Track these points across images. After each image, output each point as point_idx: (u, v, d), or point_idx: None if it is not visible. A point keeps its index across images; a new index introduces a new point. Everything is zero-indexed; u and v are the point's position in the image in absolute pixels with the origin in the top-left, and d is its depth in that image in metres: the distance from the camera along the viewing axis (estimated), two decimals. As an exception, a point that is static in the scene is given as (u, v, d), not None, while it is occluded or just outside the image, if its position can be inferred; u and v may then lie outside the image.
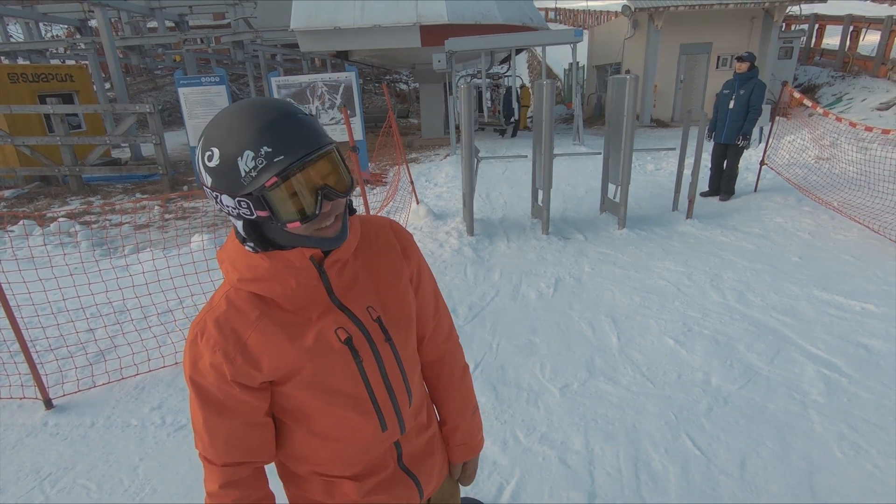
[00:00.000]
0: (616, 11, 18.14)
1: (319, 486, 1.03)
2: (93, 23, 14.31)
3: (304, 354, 0.89)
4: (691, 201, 5.69)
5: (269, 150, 0.75)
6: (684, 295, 3.96)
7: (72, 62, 16.03)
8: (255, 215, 0.80)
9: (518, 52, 14.43)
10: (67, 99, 10.57)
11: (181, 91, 8.71)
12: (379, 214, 0.90)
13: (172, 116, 18.91)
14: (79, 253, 5.15)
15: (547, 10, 33.94)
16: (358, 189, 0.95)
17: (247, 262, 0.87)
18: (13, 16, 14.65)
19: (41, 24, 17.29)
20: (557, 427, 2.60)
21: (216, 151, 0.77)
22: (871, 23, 14.53)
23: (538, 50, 18.38)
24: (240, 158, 0.75)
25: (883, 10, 20.38)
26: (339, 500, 1.02)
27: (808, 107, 6.22)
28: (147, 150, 11.73)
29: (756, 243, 4.93)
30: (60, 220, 6.56)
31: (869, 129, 5.38)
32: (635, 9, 13.08)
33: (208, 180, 0.80)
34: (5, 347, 3.46)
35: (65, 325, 3.51)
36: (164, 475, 2.44)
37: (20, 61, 14.08)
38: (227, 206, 0.81)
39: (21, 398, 3.03)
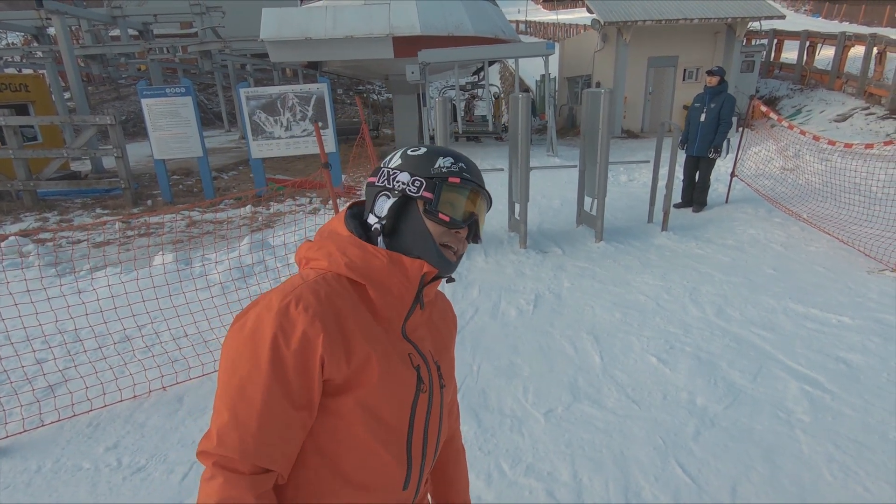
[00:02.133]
0: (585, 25, 18.51)
1: None
2: (51, 30, 13.74)
3: (387, 359, 0.86)
4: (666, 213, 5.72)
5: (464, 167, 0.92)
6: (664, 310, 3.93)
7: (29, 71, 15.33)
8: (419, 193, 0.88)
9: (491, 63, 14.53)
10: (22, 110, 10.05)
11: (144, 102, 8.36)
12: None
13: (137, 127, 18.31)
14: (24, 277, 4.82)
15: (518, 22, 34.47)
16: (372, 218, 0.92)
17: (362, 251, 0.86)
18: (-37, 22, 13.95)
19: (-5, 32, 16.52)
20: (543, 456, 2.49)
21: (423, 149, 0.92)
22: (826, 38, 15.20)
23: (510, 62, 18.58)
24: (441, 157, 0.91)
25: (836, 27, 21.40)
26: None
27: (770, 118, 6.37)
28: (109, 162, 11.26)
29: (731, 255, 4.97)
30: (11, 237, 6.16)
31: (832, 142, 5.53)
32: (604, 22, 13.34)
33: (397, 163, 0.91)
34: (-58, 383, 3.16)
35: (8, 359, 3.22)
36: (118, 526, 2.22)
37: (-29, 70, 13.38)
38: (399, 182, 0.89)
39: (-43, 441, 2.75)
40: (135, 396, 3.11)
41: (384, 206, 0.90)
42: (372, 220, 0.91)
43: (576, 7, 41.36)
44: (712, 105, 6.08)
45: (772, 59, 17.27)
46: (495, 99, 15.15)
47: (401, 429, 0.89)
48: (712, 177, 6.76)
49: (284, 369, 0.76)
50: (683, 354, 3.30)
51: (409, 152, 0.92)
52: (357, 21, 11.31)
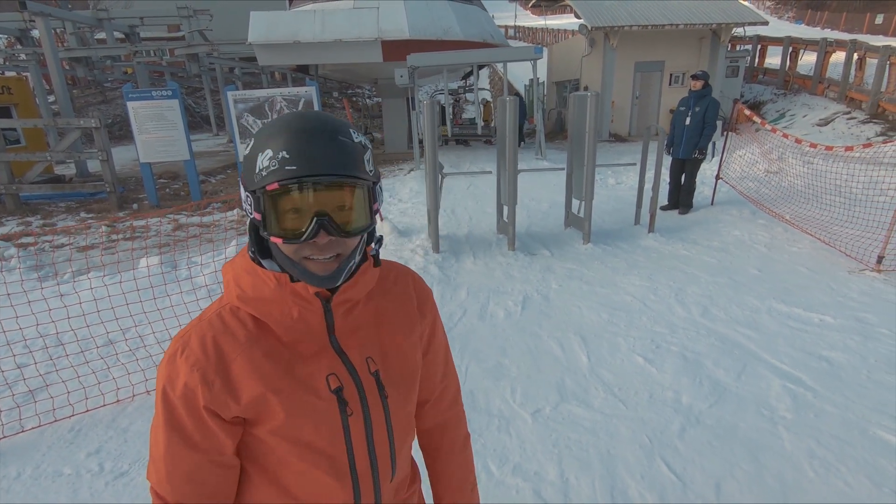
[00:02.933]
0: (573, 30, 18.67)
1: None
2: (35, 33, 13.58)
3: (287, 396, 0.79)
4: (653, 216, 5.78)
5: (287, 156, 0.71)
6: (651, 310, 3.96)
7: (12, 74, 15.13)
8: (252, 214, 0.76)
9: (480, 67, 14.59)
10: (4, 112, 9.92)
11: (130, 105, 8.29)
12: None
13: (123, 131, 18.10)
14: (4, 281, 4.73)
15: (507, 27, 34.70)
16: (379, 236, 0.85)
17: (253, 279, 0.80)
18: (-55, 24, 13.72)
19: (-23, 34, 16.28)
20: (531, 456, 2.49)
21: (252, 141, 0.76)
22: (808, 44, 15.49)
23: (499, 66, 18.67)
24: (261, 153, 0.73)
25: (818, 33, 21.81)
26: None
27: (755, 122, 6.47)
28: (94, 165, 11.12)
29: (716, 257, 5.03)
30: (-7, 242, 6.05)
31: (813, 145, 5.63)
32: (592, 28, 13.48)
33: (242, 170, 0.79)
34: (-82, 390, 3.09)
35: (-9, 365, 3.16)
36: (99, 532, 2.19)
37: (-48, 72, 13.16)
38: (243, 200, 0.78)
39: (-66, 449, 2.69)
40: (118, 401, 3.07)
41: (247, 225, 0.82)
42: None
43: (564, 13, 41.77)
44: (697, 108, 6.17)
45: (756, 65, 17.57)
46: (484, 103, 15.22)
47: (337, 454, 0.84)
48: (698, 179, 6.85)
49: (177, 417, 0.79)
50: (669, 354, 3.33)
51: (245, 150, 0.78)
52: (346, 25, 11.32)
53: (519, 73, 20.87)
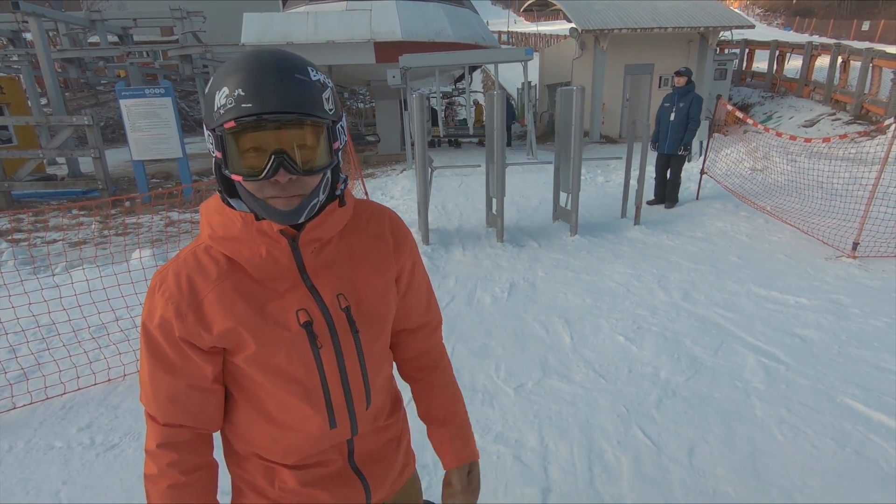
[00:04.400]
0: (565, 35, 18.90)
1: (259, 468, 0.96)
2: (28, 35, 13.60)
3: (257, 328, 0.83)
4: (638, 208, 5.90)
5: (243, 93, 0.71)
6: (634, 295, 4.06)
7: (3, 75, 15.11)
8: (214, 154, 0.77)
9: (472, 69, 14.74)
10: (-4, 112, 9.93)
11: (123, 103, 8.33)
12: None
13: (116, 133, 18.10)
14: (1, 273, 4.76)
15: (500, 33, 35.01)
16: (344, 176, 0.88)
17: (222, 218, 0.82)
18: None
19: (-31, 36, 16.25)
20: (512, 426, 2.57)
21: (212, 80, 0.76)
22: (794, 48, 15.79)
23: (491, 69, 18.84)
24: (218, 91, 0.73)
25: (805, 39, 22.17)
26: (278, 487, 0.95)
27: (746, 123, 6.62)
28: (86, 165, 11.14)
29: (699, 246, 5.14)
30: (-16, 237, 6.07)
31: (793, 137, 5.77)
32: (582, 30, 13.68)
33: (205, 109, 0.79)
34: (-89, 371, 3.13)
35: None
36: (90, 498, 2.24)
37: (-56, 73, 13.14)
38: (206, 136, 0.78)
39: (-74, 424, 2.73)
40: (109, 380, 3.12)
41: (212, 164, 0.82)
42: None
43: (556, 19, 42.23)
44: (681, 104, 6.30)
45: (744, 68, 17.86)
46: (476, 105, 15.37)
47: (311, 383, 0.88)
48: (684, 175, 6.98)
49: (155, 344, 0.85)
50: (650, 334, 3.43)
51: (206, 88, 0.78)
52: (338, 26, 11.44)
53: (510, 77, 21.05)
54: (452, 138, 14.40)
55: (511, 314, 3.84)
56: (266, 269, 0.84)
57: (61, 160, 11.56)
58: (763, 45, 17.31)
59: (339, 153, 0.82)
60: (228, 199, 0.83)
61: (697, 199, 6.89)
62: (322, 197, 0.82)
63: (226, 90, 0.72)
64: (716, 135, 7.20)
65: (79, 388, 3.03)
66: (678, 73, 6.35)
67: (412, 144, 11.07)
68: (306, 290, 0.87)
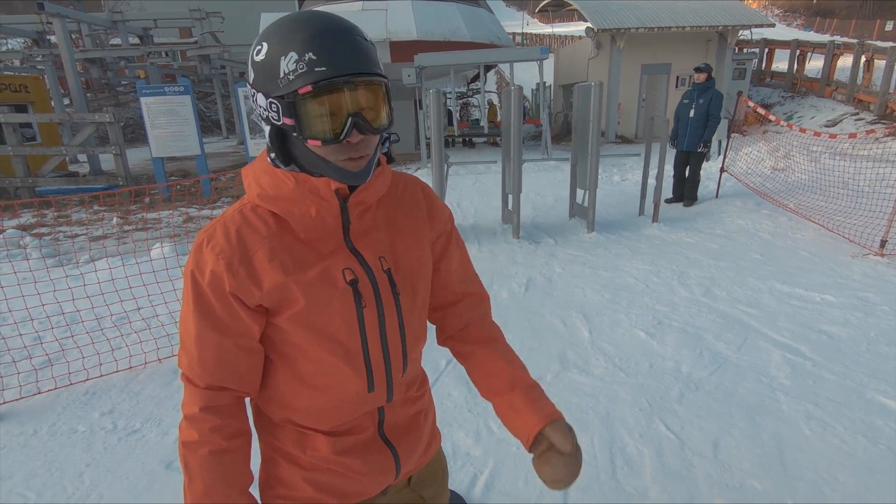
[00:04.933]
0: (580, 35, 18.81)
1: (293, 436, 0.95)
2: (52, 38, 13.91)
3: (306, 284, 0.84)
4: (657, 205, 5.82)
5: (314, 57, 0.71)
6: (653, 291, 4.01)
7: (28, 75, 15.48)
8: (280, 121, 0.76)
9: (487, 69, 14.73)
10: (21, 110, 10.16)
11: (143, 101, 8.47)
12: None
13: (135, 133, 18.41)
14: (28, 263, 4.86)
15: (514, 34, 34.99)
16: (386, 136, 0.90)
17: (272, 178, 0.83)
18: (-35, 27, 14.10)
19: (-4, 37, 16.69)
20: (531, 417, 2.54)
21: (265, 46, 0.75)
22: (816, 47, 15.51)
23: (505, 70, 18.80)
24: (283, 57, 0.72)
25: (825, 38, 21.78)
26: (311, 454, 0.94)
27: (766, 122, 6.52)
28: (107, 163, 11.36)
29: (719, 243, 5.06)
30: (9, 231, 6.21)
31: (818, 133, 5.66)
32: (598, 30, 13.58)
33: (251, 76, 0.78)
34: (-60, 356, 3.20)
35: (12, 338, 3.27)
36: (112, 480, 2.26)
37: (-29, 73, 13.48)
38: (261, 107, 0.78)
39: (-45, 407, 2.79)
40: (131, 367, 3.15)
41: (267, 132, 0.81)
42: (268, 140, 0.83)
43: (571, 20, 42.07)
44: (700, 101, 6.22)
45: (763, 68, 17.59)
46: (490, 105, 15.36)
47: (352, 343, 0.88)
48: (703, 174, 6.90)
49: (205, 301, 0.84)
50: (671, 329, 3.37)
51: (254, 57, 0.77)
52: (355, 26, 11.50)
53: (525, 78, 20.97)
54: (466, 138, 14.41)
55: (528, 308, 3.81)
56: (314, 229, 0.85)
57: (83, 158, 11.78)
58: (783, 44, 17.03)
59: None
60: (283, 165, 0.83)
61: (717, 197, 6.79)
62: (377, 157, 0.84)
63: (293, 55, 0.72)
64: (734, 134, 7.09)
65: (101, 375, 3.07)
66: (698, 70, 6.26)
67: (427, 143, 11.09)
68: (349, 252, 0.88)
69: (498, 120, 15.93)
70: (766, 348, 3.07)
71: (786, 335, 3.20)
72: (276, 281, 0.83)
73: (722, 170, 6.80)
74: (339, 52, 0.72)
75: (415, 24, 11.48)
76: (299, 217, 0.83)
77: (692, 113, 6.28)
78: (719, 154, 9.32)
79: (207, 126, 21.68)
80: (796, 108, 14.57)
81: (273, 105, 0.76)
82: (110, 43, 18.38)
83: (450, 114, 14.16)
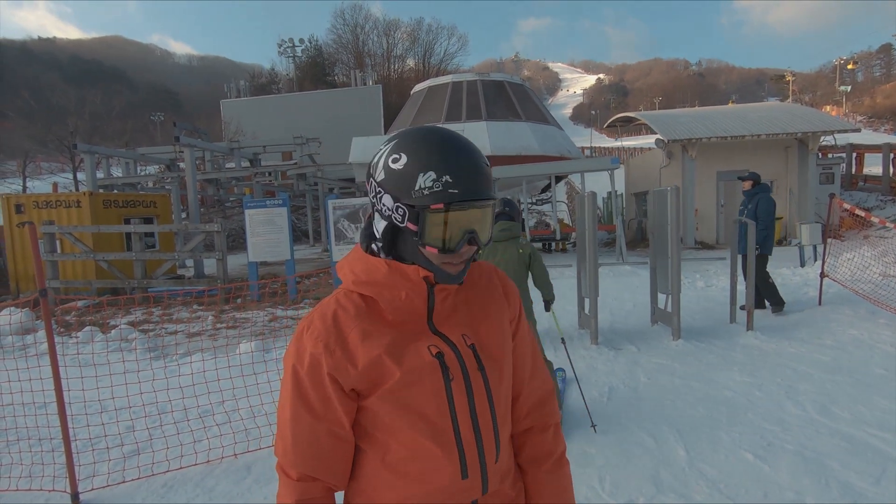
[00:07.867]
0: (650, 147, 19.24)
1: None
2: (181, 163, 16.49)
3: (396, 361, 0.87)
4: (750, 312, 5.39)
5: (450, 180, 0.81)
6: (756, 406, 3.56)
7: (157, 193, 18.23)
8: (404, 224, 0.85)
9: (558, 180, 15.27)
10: (148, 222, 11.78)
11: (247, 212, 9.56)
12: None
13: (236, 242, 20.54)
14: (135, 357, 5.31)
15: (584, 148, 36.54)
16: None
17: (365, 265, 0.91)
18: (119, 156, 17.13)
19: (138, 164, 20.03)
20: (624, 548, 2.22)
21: (405, 157, 0.84)
22: (912, 149, 14.70)
23: (577, 183, 19.35)
24: (422, 174, 0.82)
25: (921, 140, 20.68)
26: None
27: (873, 223, 6.07)
28: (210, 268, 12.62)
29: (830, 355, 4.50)
30: (122, 327, 6.90)
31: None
32: (668, 140, 13.84)
33: (381, 176, 0.87)
34: (49, 441, 3.44)
35: (109, 424, 3.49)
36: (178, 581, 2.20)
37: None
38: (385, 206, 0.87)
39: (50, 490, 2.93)
40: (208, 461, 3.20)
41: (378, 226, 0.90)
42: (377, 232, 0.92)
43: (639, 134, 43.41)
44: (750, 206, 6.28)
45: (854, 172, 16.78)
46: (560, 222, 15.70)
47: (443, 421, 0.88)
48: (799, 280, 6.40)
49: (302, 387, 0.89)
50: (784, 452, 2.93)
51: (390, 163, 0.85)
52: (434, 145, 12.62)
53: (596, 189, 21.38)
54: (538, 243, 14.59)
55: (612, 420, 3.50)
56: (402, 311, 0.90)
57: (189, 263, 13.18)
58: (874, 148, 16.33)
59: None
60: (385, 255, 0.91)
61: (820, 304, 6.18)
62: (471, 261, 0.92)
63: (432, 174, 0.81)
64: (830, 240, 6.62)
65: (180, 468, 3.12)
66: (741, 178, 6.50)
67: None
68: (432, 333, 0.92)
69: (571, 225, 16.11)
70: (912, 483, 2.55)
71: (937, 468, 2.66)
72: (371, 356, 0.86)
73: (822, 275, 6.26)
74: (470, 178, 0.83)
75: (489, 141, 12.39)
76: (390, 299, 0.89)
77: (744, 219, 6.13)
78: (816, 260, 8.66)
79: (297, 235, 23.78)
80: (899, 211, 13.49)
81: (400, 209, 0.84)
82: (226, 166, 21.43)
83: (523, 221, 14.57)
